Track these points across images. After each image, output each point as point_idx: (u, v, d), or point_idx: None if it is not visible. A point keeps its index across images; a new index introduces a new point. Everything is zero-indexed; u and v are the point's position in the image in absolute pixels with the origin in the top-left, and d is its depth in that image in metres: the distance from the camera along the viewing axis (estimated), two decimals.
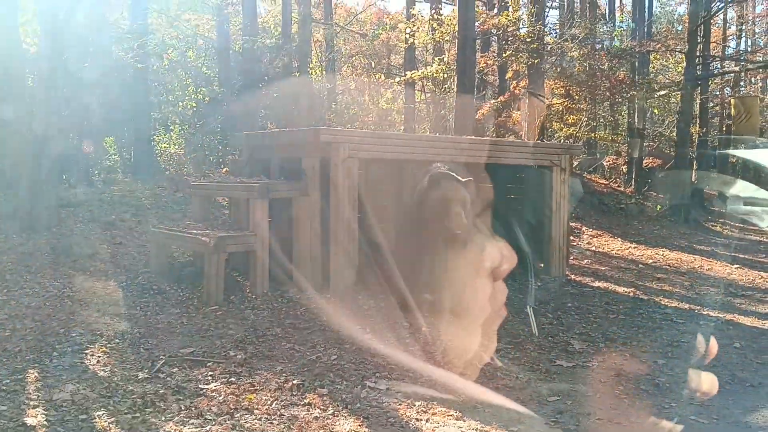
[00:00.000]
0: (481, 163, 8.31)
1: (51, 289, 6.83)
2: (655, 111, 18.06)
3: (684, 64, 15.79)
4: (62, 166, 10.55)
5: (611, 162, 18.35)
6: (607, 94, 15.60)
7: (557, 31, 15.75)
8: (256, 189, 7.10)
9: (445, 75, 14.08)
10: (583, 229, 12.90)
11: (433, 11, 16.70)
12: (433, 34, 14.48)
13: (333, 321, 6.37)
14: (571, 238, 12.17)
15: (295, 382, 4.89)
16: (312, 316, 6.55)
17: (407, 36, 14.77)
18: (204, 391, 4.68)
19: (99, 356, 5.28)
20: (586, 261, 10.53)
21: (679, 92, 15.95)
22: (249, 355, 5.44)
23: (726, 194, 17.46)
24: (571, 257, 10.66)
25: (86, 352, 5.37)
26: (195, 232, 7.18)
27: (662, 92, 16.83)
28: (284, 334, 6.05)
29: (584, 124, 16.04)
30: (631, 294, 8.39)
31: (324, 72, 14.22)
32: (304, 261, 7.41)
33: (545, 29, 14.57)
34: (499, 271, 6.55)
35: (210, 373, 5.02)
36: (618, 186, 17.42)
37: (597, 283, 8.94)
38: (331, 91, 14.35)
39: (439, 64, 13.93)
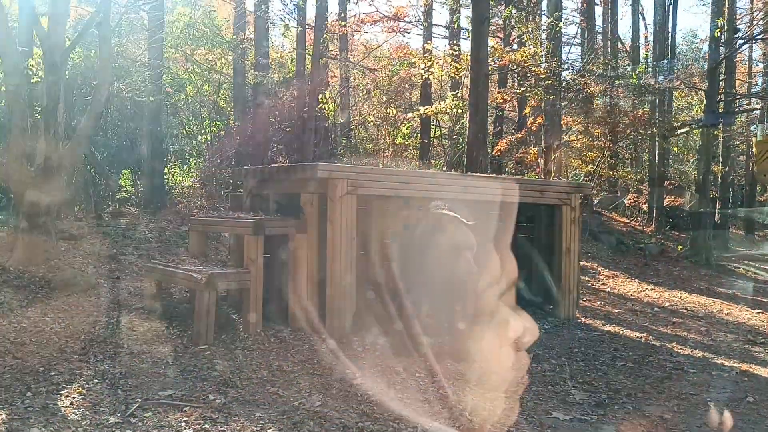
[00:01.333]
0: (487, 201, 8.10)
1: (40, 325, 6.70)
2: (675, 149, 17.67)
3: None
4: (71, 198, 10.58)
5: (632, 200, 17.97)
6: (627, 131, 15.31)
7: (577, 67, 15.56)
8: (250, 225, 6.95)
9: (460, 110, 13.94)
10: (599, 269, 12.53)
11: (450, 46, 16.68)
12: (448, 70, 14.38)
13: (323, 364, 6.15)
14: (586, 278, 11.85)
15: (270, 431, 4.65)
16: (303, 358, 6.32)
17: (423, 71, 14.70)
18: None
19: (74, 398, 5.09)
20: (599, 303, 10.17)
21: (699, 130, 15.60)
22: (229, 400, 5.21)
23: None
24: (584, 299, 10.33)
25: (62, 392, 5.18)
26: (189, 268, 7.03)
27: (683, 130, 16.48)
28: (270, 377, 5.81)
29: (603, 161, 15.72)
30: (643, 339, 8.01)
31: (338, 107, 14.17)
32: (301, 301, 7.21)
33: (563, 65, 14.37)
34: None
35: (185, 418, 4.80)
36: (638, 225, 17.02)
37: (608, 327, 8.58)
38: (344, 126, 14.27)
39: (452, 99, 13.80)
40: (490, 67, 13.84)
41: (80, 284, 7.79)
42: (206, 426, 4.68)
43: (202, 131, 14.60)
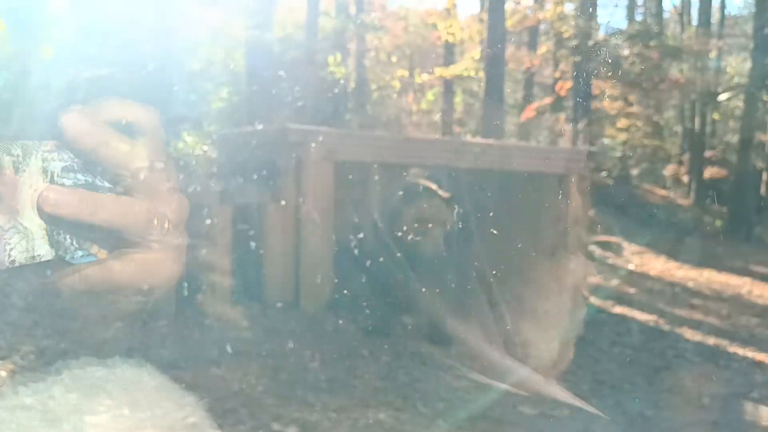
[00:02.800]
0: (483, 169, 7.46)
1: None
2: (716, 116, 16.48)
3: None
4: None
5: (673, 171, 16.86)
6: (664, 97, 14.27)
7: (611, 28, 14.53)
8: (216, 193, 6.50)
9: (476, 73, 13.16)
10: (624, 244, 11.70)
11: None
12: (469, 31, 13.57)
13: (283, 346, 5.69)
14: (607, 254, 11.07)
15: (194, 420, 4.20)
16: (264, 339, 5.87)
17: (444, 32, 13.93)
18: (84, 424, 4.05)
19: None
20: (614, 281, 9.43)
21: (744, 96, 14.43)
22: (163, 381, 4.80)
23: None
24: (599, 276, 9.60)
25: None
26: None
27: (726, 96, 15.31)
28: (221, 358, 5.37)
29: (638, 129, 14.73)
30: (652, 323, 7.30)
31: (352, 70, 13.53)
32: (275, 276, 6.75)
33: (593, 25, 13.37)
34: None
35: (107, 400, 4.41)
36: (677, 198, 15.97)
37: (617, 309, 7.87)
38: (360, 91, 13.67)
39: (470, 60, 13.01)
40: (516, 27, 13.04)
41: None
42: (126, 411, 4.27)
43: (217, 97, 14.19)
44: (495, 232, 7.83)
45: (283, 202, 6.66)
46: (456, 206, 5.76)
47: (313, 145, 6.45)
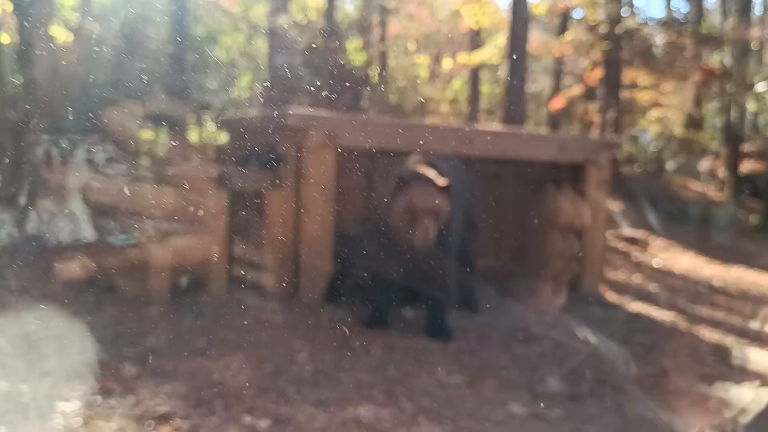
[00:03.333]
0: (496, 157, 7.18)
1: None
2: (754, 108, 15.77)
3: None
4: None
5: (707, 165, 16.24)
6: (699, 87, 13.70)
7: (645, 14, 13.96)
8: (212, 178, 6.34)
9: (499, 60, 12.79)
10: (651, 239, 11.27)
11: None
12: (492, 17, 13.17)
13: (275, 337, 5.51)
14: (632, 249, 10.67)
15: (165, 409, 4.06)
16: (256, 328, 5.70)
17: (471, 19, 13.56)
18: (52, 412, 3.94)
19: None
20: (637, 277, 9.05)
21: None
22: (146, 371, 4.67)
23: None
24: (621, 271, 9.24)
25: None
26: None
27: (764, 86, 14.62)
28: (208, 347, 5.22)
29: (672, 120, 14.18)
30: (670, 322, 6.93)
31: (372, 58, 13.28)
32: (275, 264, 6.57)
33: (626, 11, 12.83)
34: None
35: (80, 388, 4.28)
36: (711, 192, 15.37)
37: (634, 306, 7.51)
38: (382, 79, 13.42)
39: (493, 47, 12.64)
40: (544, 13, 12.64)
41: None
42: (98, 398, 4.15)
43: (237, 86, 14.12)
44: (500, 222, 7.57)
45: (282, 189, 6.47)
46: (454, 195, 5.48)
47: (314, 130, 6.25)
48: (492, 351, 5.55)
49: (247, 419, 3.98)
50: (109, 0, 11.96)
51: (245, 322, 5.80)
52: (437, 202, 5.28)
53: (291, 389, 4.47)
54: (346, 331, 5.73)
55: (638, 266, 9.76)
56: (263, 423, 3.96)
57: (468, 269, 6.70)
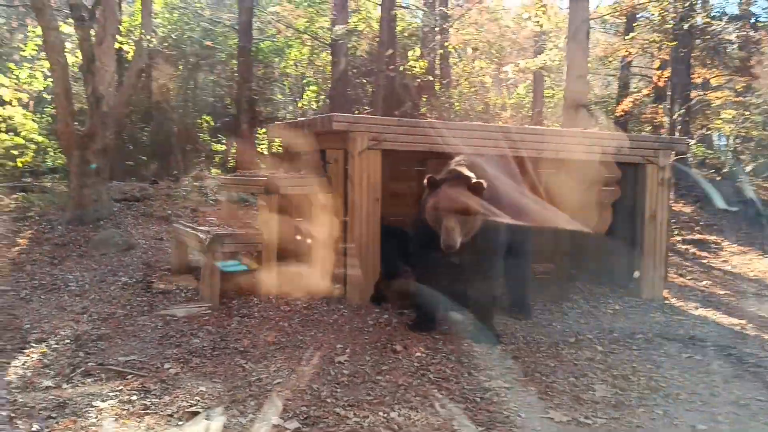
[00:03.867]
0: (548, 158, 6.96)
1: (57, 282, 6.66)
2: None
3: None
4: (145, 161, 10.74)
5: None
6: None
7: (716, 10, 13.34)
8: (262, 184, 6.41)
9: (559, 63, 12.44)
10: (724, 244, 10.69)
11: None
12: (556, 20, 12.88)
13: (318, 338, 5.49)
14: (704, 253, 10.17)
15: (197, 408, 4.09)
16: (300, 329, 5.70)
17: (535, 23, 13.31)
18: (87, 410, 4.03)
19: (31, 358, 4.87)
20: (705, 282, 8.58)
21: None
22: (185, 370, 4.73)
23: None
24: (689, 276, 8.81)
25: (25, 352, 4.99)
26: (204, 228, 6.65)
27: None
28: (251, 347, 5.26)
29: (748, 119, 13.45)
30: (738, 328, 6.53)
31: (428, 65, 13.16)
32: (322, 267, 6.57)
33: (692, 6, 12.24)
34: None
35: (120, 387, 4.38)
36: None
37: (699, 311, 7.12)
38: (443, 85, 13.30)
39: (553, 51, 12.31)
40: (610, 13, 12.25)
41: (119, 244, 7.69)
42: (134, 398, 4.22)
43: (301, 96, 14.33)
44: (550, 224, 7.32)
45: (329, 193, 6.48)
46: (495, 197, 5.33)
47: (359, 133, 6.23)
48: (538, 356, 5.34)
49: (276, 420, 3.96)
50: (175, 17, 12.37)
51: (290, 324, 5.81)
52: (464, 203, 5.12)
53: (326, 391, 4.42)
54: (390, 333, 5.66)
55: (708, 271, 9.27)
56: (291, 425, 3.92)
57: (518, 272, 6.53)
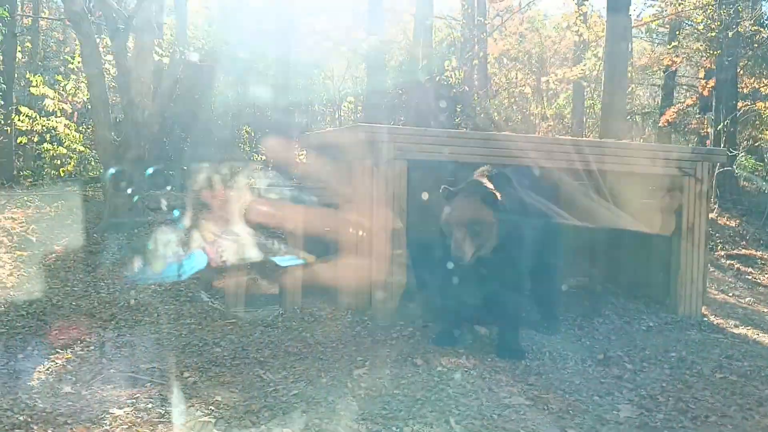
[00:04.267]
0: (577, 169, 6.81)
1: (89, 289, 6.78)
2: None
3: None
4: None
5: None
6: None
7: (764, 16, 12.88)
8: (288, 196, 6.43)
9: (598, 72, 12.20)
10: None
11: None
12: (596, 29, 12.65)
13: (339, 350, 5.45)
14: (749, 269, 9.81)
15: (209, 418, 4.09)
16: (322, 340, 5.67)
17: (574, 32, 13.12)
18: (103, 416, 4.06)
19: (56, 364, 4.94)
20: (747, 299, 8.26)
21: None
22: (204, 379, 4.74)
23: None
24: (731, 294, 8.49)
25: (51, 356, 5.08)
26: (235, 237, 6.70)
27: None
28: (271, 358, 5.25)
29: None
30: None
31: (464, 75, 13.04)
32: (348, 279, 6.53)
33: (738, 14, 11.84)
34: None
35: (137, 395, 4.41)
36: None
37: (739, 329, 6.85)
38: (482, 96, 13.20)
39: (589, 59, 12.08)
40: (652, 21, 11.98)
41: (152, 252, 7.80)
42: (150, 406, 4.24)
43: (339, 107, 14.41)
44: (591, 238, 7.15)
45: (355, 203, 6.45)
46: (517, 209, 5.23)
47: (384, 143, 6.19)
48: (563, 372, 5.20)
49: (282, 431, 3.93)
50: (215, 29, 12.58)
51: (313, 335, 5.80)
52: (473, 214, 5.05)
53: (341, 404, 4.37)
54: (412, 346, 5.59)
55: (753, 287, 8.92)
56: None
57: (547, 285, 6.39)
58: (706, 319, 7.11)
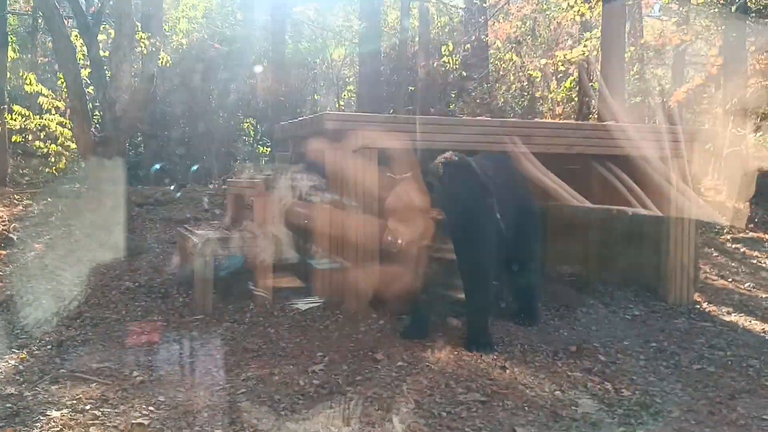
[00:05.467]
0: (557, 153, 6.55)
1: (62, 288, 6.71)
2: None
3: None
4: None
5: None
6: None
7: None
8: (257, 185, 6.28)
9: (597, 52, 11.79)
10: None
11: None
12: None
13: (300, 346, 5.29)
14: (754, 253, 9.43)
15: (143, 420, 3.96)
16: (285, 336, 5.52)
17: (575, 13, 12.71)
18: (37, 418, 3.96)
19: (8, 364, 4.87)
20: (747, 284, 7.92)
21: None
22: (152, 378, 4.62)
23: None
24: (730, 279, 8.16)
25: (5, 357, 5.01)
26: (201, 233, 6.57)
27: None
28: (228, 354, 5.12)
29: None
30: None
31: (460, 61, 12.71)
32: (321, 274, 6.37)
33: None
34: None
35: (80, 395, 4.30)
36: None
37: (731, 317, 6.55)
38: (480, 80, 12.88)
39: (590, 40, 11.68)
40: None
41: (130, 248, 7.72)
42: (88, 407, 4.12)
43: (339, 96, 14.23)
44: (575, 225, 6.90)
45: (328, 195, 6.27)
46: (476, 196, 5.04)
47: (353, 132, 6.00)
48: (531, 366, 4.98)
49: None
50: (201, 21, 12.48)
51: (278, 331, 5.65)
52: (410, 202, 4.87)
53: (286, 402, 4.22)
54: (379, 340, 5.41)
55: (756, 272, 8.56)
56: None
57: (525, 274, 6.15)
58: (698, 306, 6.82)
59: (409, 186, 4.95)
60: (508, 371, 4.86)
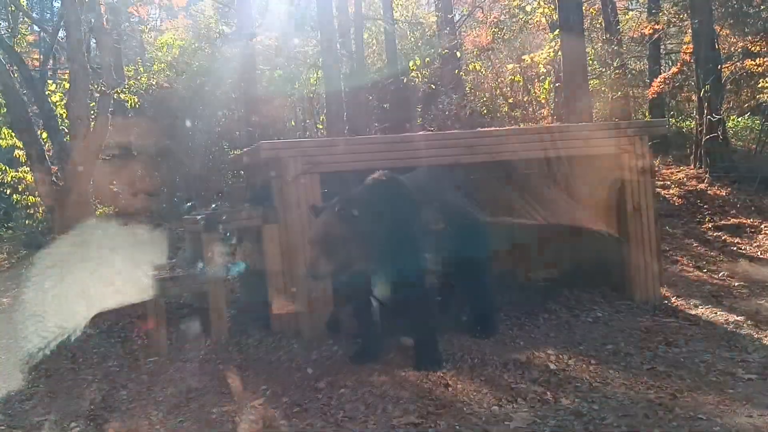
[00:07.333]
0: (503, 161, 6.47)
1: (21, 343, 6.71)
2: None
3: None
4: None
5: None
6: None
7: None
8: (202, 221, 6.24)
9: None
10: (763, 226, 9.66)
11: None
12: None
13: (245, 381, 5.22)
14: (736, 240, 9.25)
15: None
16: (234, 372, 5.44)
17: (540, 14, 12.66)
18: None
19: None
20: (722, 274, 7.75)
21: None
22: (90, 428, 4.58)
23: None
24: (705, 270, 8.00)
25: None
26: (154, 273, 6.54)
27: None
28: (171, 396, 5.06)
29: None
30: (730, 327, 5.78)
31: (432, 73, 12.64)
32: (276, 303, 6.31)
33: None
34: None
35: None
36: None
37: (697, 310, 6.39)
38: (453, 90, 12.82)
39: (555, 41, 11.55)
40: None
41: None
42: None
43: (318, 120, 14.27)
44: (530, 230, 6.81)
45: (273, 223, 6.23)
46: (407, 218, 4.98)
47: (291, 158, 5.97)
48: (476, 381, 4.86)
49: None
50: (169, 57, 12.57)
51: (229, 366, 5.57)
52: (330, 231, 4.83)
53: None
54: (327, 368, 5.33)
55: (734, 260, 8.37)
56: None
57: (476, 286, 6.04)
58: (666, 301, 6.68)
59: (331, 216, 4.89)
60: (450, 389, 4.76)
